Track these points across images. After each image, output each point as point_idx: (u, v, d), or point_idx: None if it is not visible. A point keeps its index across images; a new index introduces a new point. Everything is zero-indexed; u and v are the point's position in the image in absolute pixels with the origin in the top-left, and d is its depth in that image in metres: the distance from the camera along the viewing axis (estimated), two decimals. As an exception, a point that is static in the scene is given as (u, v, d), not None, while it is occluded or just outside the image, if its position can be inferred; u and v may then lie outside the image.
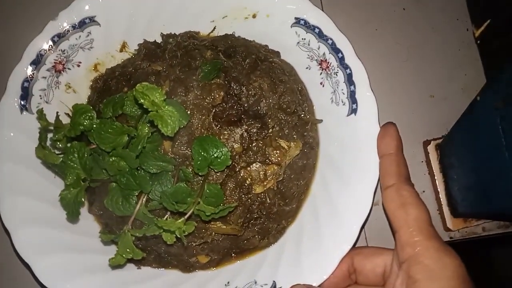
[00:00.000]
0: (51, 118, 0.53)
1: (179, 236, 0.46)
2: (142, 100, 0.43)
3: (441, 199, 0.65)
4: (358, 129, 0.57)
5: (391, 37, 0.71)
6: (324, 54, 0.59)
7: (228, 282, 0.56)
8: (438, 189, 0.65)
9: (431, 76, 0.70)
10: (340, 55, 0.58)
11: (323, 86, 0.60)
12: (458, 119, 0.60)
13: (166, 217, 0.49)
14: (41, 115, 0.49)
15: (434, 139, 0.67)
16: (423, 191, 0.66)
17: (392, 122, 0.55)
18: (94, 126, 0.47)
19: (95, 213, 0.59)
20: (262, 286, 0.54)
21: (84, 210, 0.59)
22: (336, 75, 0.59)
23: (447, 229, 0.65)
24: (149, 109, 0.44)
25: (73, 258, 0.55)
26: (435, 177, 0.66)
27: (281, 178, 0.55)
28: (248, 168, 0.54)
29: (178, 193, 0.47)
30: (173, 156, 0.52)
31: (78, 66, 0.61)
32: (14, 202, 0.54)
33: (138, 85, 0.44)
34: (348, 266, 0.52)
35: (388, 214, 0.49)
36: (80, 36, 0.60)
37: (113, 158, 0.46)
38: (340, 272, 0.52)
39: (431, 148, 0.67)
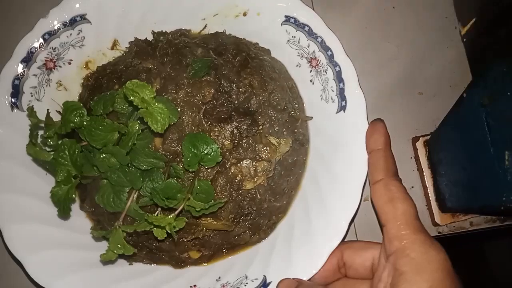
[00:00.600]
0: (42, 116, 0.53)
1: (169, 231, 0.46)
2: (132, 97, 0.44)
3: (430, 195, 0.66)
4: (347, 126, 0.57)
5: (380, 35, 0.72)
6: (313, 52, 0.60)
7: (220, 277, 0.57)
8: (427, 185, 0.66)
9: (419, 74, 0.71)
10: (329, 52, 0.59)
11: (313, 83, 0.61)
12: (446, 116, 0.61)
13: (157, 213, 0.50)
14: (31, 113, 0.49)
15: (423, 136, 0.68)
16: (412, 187, 0.67)
17: (380, 119, 0.56)
18: (85, 123, 0.47)
19: (86, 210, 0.59)
20: (252, 281, 0.55)
21: (75, 207, 0.59)
22: (326, 72, 0.59)
23: (435, 224, 0.66)
24: (139, 106, 0.44)
25: (64, 254, 0.55)
26: (424, 173, 0.67)
27: (271, 175, 0.56)
28: (239, 165, 0.54)
29: (169, 189, 0.47)
30: (163, 152, 0.52)
31: (69, 63, 0.61)
32: (4, 198, 0.54)
33: (128, 82, 0.44)
34: (338, 260, 0.53)
35: (376, 208, 0.50)
36: (71, 34, 0.60)
37: (104, 155, 0.47)
38: (330, 266, 0.53)
39: (419, 144, 0.68)
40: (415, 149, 0.68)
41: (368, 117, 0.57)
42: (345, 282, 0.54)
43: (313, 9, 0.60)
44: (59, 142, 0.50)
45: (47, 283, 0.52)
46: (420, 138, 0.68)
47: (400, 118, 0.69)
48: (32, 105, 0.51)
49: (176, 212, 0.47)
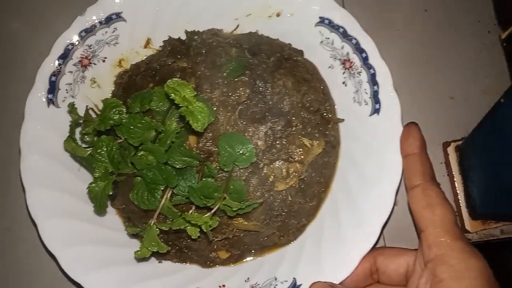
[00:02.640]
0: (77, 112, 0.54)
1: (205, 230, 0.46)
2: (173, 96, 0.44)
3: (460, 201, 0.65)
4: (380, 129, 0.57)
5: (412, 38, 0.71)
6: (347, 53, 0.60)
7: (248, 278, 0.57)
8: (457, 191, 0.65)
9: (451, 78, 0.70)
10: (364, 55, 0.58)
11: (345, 85, 0.61)
12: (480, 121, 0.60)
13: (190, 211, 0.50)
14: (72, 109, 0.50)
15: (454, 141, 0.67)
16: (442, 193, 0.66)
17: (414, 122, 0.55)
18: (124, 120, 0.48)
19: (117, 207, 0.60)
20: (282, 283, 0.55)
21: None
22: (359, 74, 0.59)
23: (465, 231, 0.65)
24: (180, 105, 0.44)
25: (96, 250, 0.55)
26: (454, 179, 0.65)
27: (303, 176, 0.55)
28: (271, 166, 0.54)
29: (205, 188, 0.47)
30: (197, 151, 0.53)
31: (103, 61, 0.61)
32: (39, 193, 0.55)
33: (169, 81, 0.45)
34: (371, 265, 0.52)
35: (414, 214, 0.49)
36: (106, 32, 0.60)
37: (142, 152, 0.47)
38: (362, 271, 0.52)
39: (450, 149, 0.67)
40: (446, 154, 0.67)
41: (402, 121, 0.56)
42: None
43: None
44: (95, 138, 0.51)
45: (79, 278, 0.53)
46: (452, 143, 0.67)
47: (431, 122, 0.68)
48: (73, 102, 0.52)
49: (212, 211, 0.47)
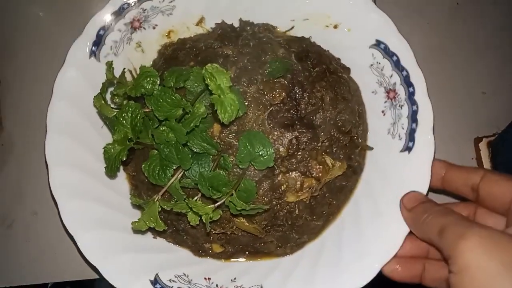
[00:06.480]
0: (115, 71, 0.54)
1: (204, 221, 0.46)
2: (209, 81, 0.43)
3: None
4: (408, 168, 0.55)
5: (443, 31, 0.70)
6: (394, 83, 0.57)
7: (235, 278, 0.56)
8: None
9: (483, 72, 0.69)
10: (411, 89, 0.56)
11: (384, 114, 0.59)
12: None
13: (196, 198, 0.49)
14: (109, 68, 0.50)
15: (486, 136, 0.65)
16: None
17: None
18: (155, 91, 0.47)
19: (128, 172, 0.60)
20: (267, 293, 0.54)
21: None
22: (401, 108, 0.57)
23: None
24: (213, 92, 0.44)
25: (95, 209, 0.55)
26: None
27: (316, 194, 0.54)
28: (287, 175, 0.53)
29: (215, 180, 0.47)
30: (218, 141, 0.52)
31: (154, 28, 0.61)
32: (62, 169, 0.55)
33: (208, 65, 0.44)
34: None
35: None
36: (163, 0, 0.60)
37: (164, 128, 0.47)
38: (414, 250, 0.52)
39: (482, 145, 0.65)
40: (478, 150, 0.65)
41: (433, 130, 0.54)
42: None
43: (375, 3, 0.58)
44: (125, 102, 0.51)
45: (75, 231, 0.53)
46: (483, 139, 0.65)
47: (462, 118, 0.67)
48: (112, 61, 0.52)
49: (217, 205, 0.47)
